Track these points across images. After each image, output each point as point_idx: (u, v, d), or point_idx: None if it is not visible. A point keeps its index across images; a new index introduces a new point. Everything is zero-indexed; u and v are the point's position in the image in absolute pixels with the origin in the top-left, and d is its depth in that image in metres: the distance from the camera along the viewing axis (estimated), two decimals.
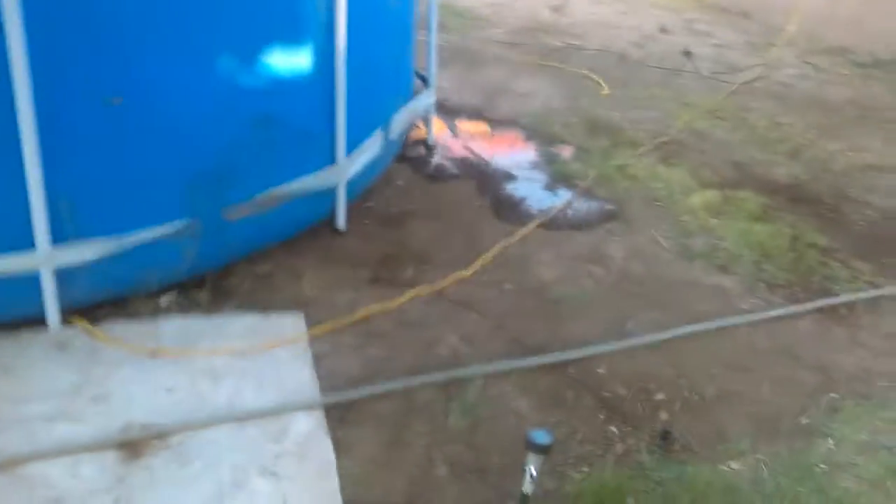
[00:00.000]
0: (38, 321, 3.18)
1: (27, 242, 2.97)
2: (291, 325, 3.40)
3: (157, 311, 3.40)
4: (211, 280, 3.63)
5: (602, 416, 3.04)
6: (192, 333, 3.26)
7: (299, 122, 3.69)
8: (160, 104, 3.12)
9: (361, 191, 4.41)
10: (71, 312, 3.26)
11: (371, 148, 4.30)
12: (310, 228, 4.06)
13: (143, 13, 2.99)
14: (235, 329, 3.32)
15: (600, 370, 3.27)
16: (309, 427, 2.85)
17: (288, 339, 3.30)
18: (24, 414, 2.77)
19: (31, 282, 3.06)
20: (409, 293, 3.69)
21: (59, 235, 3.03)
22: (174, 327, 3.30)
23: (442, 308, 3.63)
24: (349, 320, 3.48)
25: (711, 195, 4.86)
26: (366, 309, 3.56)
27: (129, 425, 2.78)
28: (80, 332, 3.19)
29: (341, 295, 3.67)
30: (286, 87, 3.58)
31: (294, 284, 3.71)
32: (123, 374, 3.00)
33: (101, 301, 3.35)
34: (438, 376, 3.15)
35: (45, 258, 3.01)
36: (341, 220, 4.18)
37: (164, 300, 3.48)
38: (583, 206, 4.68)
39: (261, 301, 3.56)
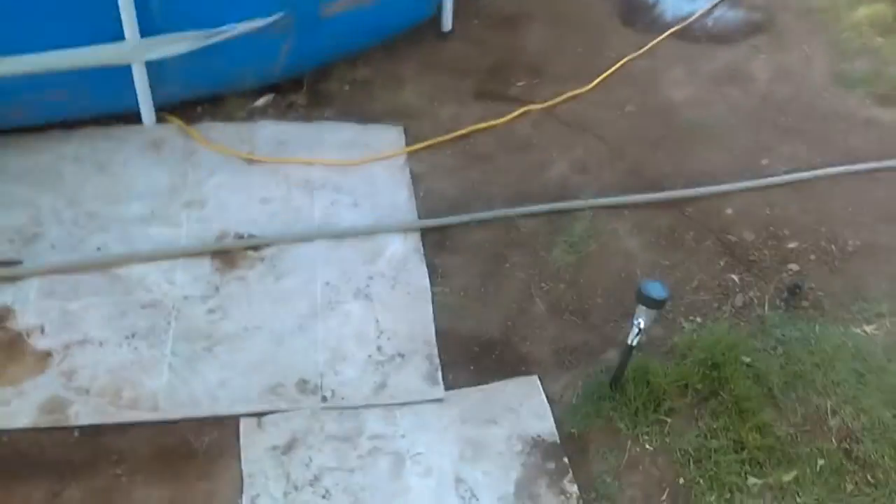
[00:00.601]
0: (134, 118, 3.07)
1: (117, 34, 2.78)
2: (390, 138, 3.17)
3: (252, 113, 3.23)
4: (309, 83, 3.40)
5: (723, 263, 2.75)
6: (289, 140, 3.09)
7: None
8: None
9: None
10: (166, 111, 3.13)
11: None
12: (413, 29, 3.70)
13: None
14: (333, 139, 3.13)
15: (727, 210, 2.93)
16: (404, 250, 2.71)
17: (386, 154, 3.09)
18: (121, 214, 2.74)
19: (124, 75, 2.92)
20: (519, 110, 3.35)
21: (149, 28, 2.82)
22: (270, 132, 3.13)
23: (554, 129, 3.29)
24: (451, 136, 3.21)
25: (881, 8, 4.09)
26: (470, 126, 3.28)
27: (224, 233, 2.72)
28: (175, 131, 3.08)
29: (444, 108, 3.37)
30: None
31: (394, 93, 3.43)
32: (219, 180, 2.89)
33: (196, 99, 3.21)
34: (544, 206, 2.90)
35: (134, 50, 2.83)
36: (448, 20, 3.78)
37: (261, 101, 3.29)
38: (726, 15, 4.04)
39: (359, 109, 3.32)
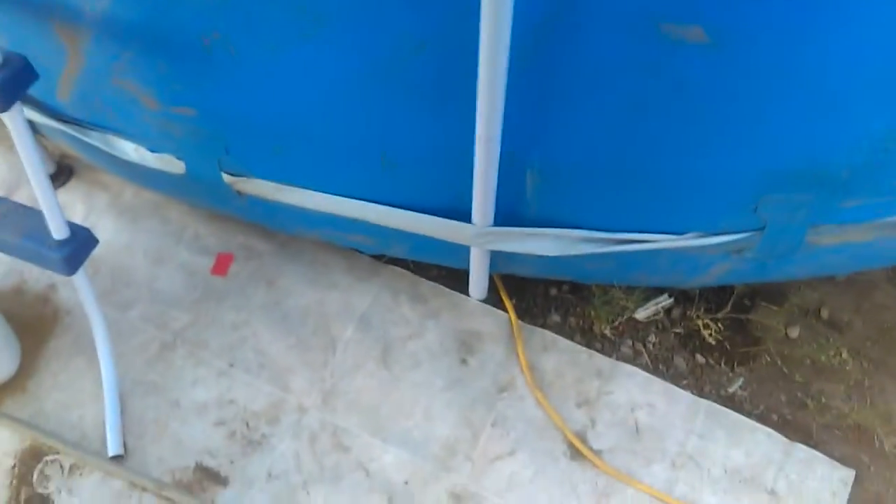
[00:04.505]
0: (462, 274, 2.09)
1: (465, 214, 1.76)
2: (826, 488, 1.81)
3: (623, 331, 2.05)
4: (735, 304, 2.09)
5: None
6: (652, 428, 1.86)
7: None
8: (774, 49, 1.36)
9: None
10: (506, 277, 2.11)
11: None
12: None
13: None
14: (724, 456, 1.83)
15: None
16: None
17: None
18: (373, 459, 1.87)
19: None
20: None
21: (520, 214, 1.74)
22: (629, 396, 1.91)
23: None
24: None
25: None
26: None
27: None
28: (501, 327, 2.02)
29: None
30: None
31: (868, 366, 1.98)
32: (518, 470, 1.80)
33: (550, 280, 2.12)
34: None
35: (479, 237, 1.80)
36: None
37: (646, 312, 2.08)
38: None
39: (796, 391, 1.95)
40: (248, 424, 1.92)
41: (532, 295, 2.11)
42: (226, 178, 1.88)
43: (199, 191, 2.05)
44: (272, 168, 1.83)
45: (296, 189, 1.84)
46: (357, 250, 2.15)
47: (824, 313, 2.09)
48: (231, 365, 2.01)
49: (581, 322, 2.07)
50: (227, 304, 2.11)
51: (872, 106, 1.48)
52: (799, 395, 1.95)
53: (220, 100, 1.70)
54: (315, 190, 1.82)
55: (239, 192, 1.92)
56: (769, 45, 1.36)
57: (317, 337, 2.04)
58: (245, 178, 1.87)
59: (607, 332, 2.04)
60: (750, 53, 1.37)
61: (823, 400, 1.93)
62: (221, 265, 2.19)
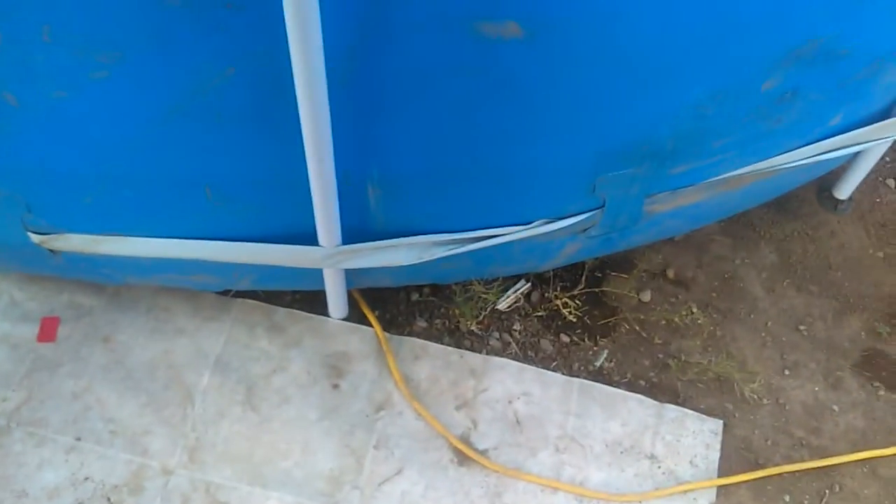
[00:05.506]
0: (319, 295, 2.01)
1: (311, 237, 1.67)
2: (696, 445, 1.88)
3: (488, 324, 2.04)
4: (589, 278, 2.13)
5: None
6: (531, 417, 1.87)
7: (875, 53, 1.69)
8: (587, 35, 1.37)
9: None
10: (364, 291, 2.04)
11: None
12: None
13: None
14: (601, 429, 1.86)
15: None
16: None
17: (683, 486, 1.83)
18: None
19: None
20: None
21: (367, 229, 1.68)
22: (504, 389, 1.90)
23: None
24: (804, 467, 1.88)
25: None
26: (839, 446, 1.91)
27: None
28: (368, 342, 1.96)
29: (798, 380, 2.00)
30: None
31: (723, 320, 2.09)
32: (407, 489, 1.78)
33: (410, 285, 2.08)
34: None
35: (330, 258, 1.72)
36: (849, 185, 2.28)
37: (508, 301, 2.09)
38: None
39: (658, 352, 2.03)
40: (109, 500, 1.75)
41: (394, 304, 2.06)
42: (34, 238, 1.68)
43: (5, 255, 1.82)
44: (87, 219, 1.65)
45: (119, 238, 1.67)
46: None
47: (670, 273, 2.18)
48: (78, 439, 1.81)
49: (447, 323, 2.04)
50: (62, 373, 1.90)
51: (687, 75, 1.53)
52: (660, 356, 2.03)
53: (11, 156, 1.51)
54: (141, 236, 1.67)
55: (52, 251, 1.72)
56: (582, 32, 1.37)
57: (170, 390, 1.88)
58: (57, 235, 1.68)
59: (474, 328, 2.03)
60: (565, 42, 1.37)
61: (683, 357, 2.02)
62: (48, 330, 1.97)
